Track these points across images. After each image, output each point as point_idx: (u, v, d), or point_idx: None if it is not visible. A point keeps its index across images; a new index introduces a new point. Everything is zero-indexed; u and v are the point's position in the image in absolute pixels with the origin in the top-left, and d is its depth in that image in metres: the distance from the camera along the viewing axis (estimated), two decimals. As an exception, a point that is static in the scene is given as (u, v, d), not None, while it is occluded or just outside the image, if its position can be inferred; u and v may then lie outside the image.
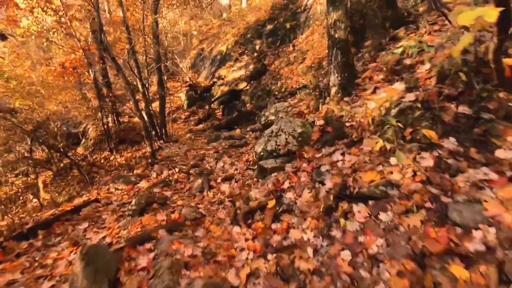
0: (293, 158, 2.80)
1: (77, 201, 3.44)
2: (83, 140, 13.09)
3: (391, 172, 2.04)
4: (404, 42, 3.51)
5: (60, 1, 9.24)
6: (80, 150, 12.30)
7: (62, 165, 10.80)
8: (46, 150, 10.71)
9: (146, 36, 9.73)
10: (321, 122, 2.98)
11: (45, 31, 9.28)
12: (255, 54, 11.77)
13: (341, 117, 2.87)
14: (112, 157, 10.24)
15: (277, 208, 2.24)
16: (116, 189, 3.51)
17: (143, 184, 3.56)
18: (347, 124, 2.77)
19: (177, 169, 3.82)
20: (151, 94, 15.44)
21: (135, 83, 9.40)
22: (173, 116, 13.19)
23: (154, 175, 3.79)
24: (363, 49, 4.61)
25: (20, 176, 11.56)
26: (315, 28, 9.59)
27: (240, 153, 4.16)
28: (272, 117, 4.48)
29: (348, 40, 3.39)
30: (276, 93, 8.54)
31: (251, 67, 11.72)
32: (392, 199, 1.88)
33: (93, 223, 2.80)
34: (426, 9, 4.56)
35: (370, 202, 1.94)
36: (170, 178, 3.66)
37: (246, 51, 12.67)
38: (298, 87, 7.74)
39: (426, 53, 3.06)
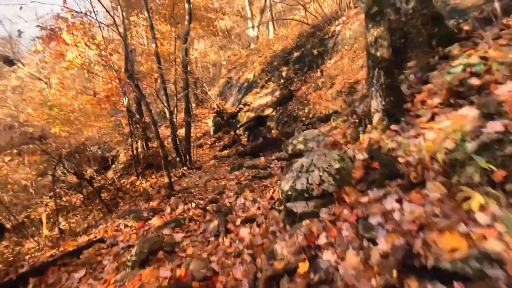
0: (330, 202, 2.19)
1: (83, 239, 3.09)
2: (114, 164, 13.38)
3: (484, 237, 1.37)
4: (462, 59, 2.89)
5: (102, 37, 9.92)
6: (110, 174, 12.52)
7: (91, 189, 10.97)
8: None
9: (177, 67, 10.03)
10: (364, 155, 2.38)
11: (87, 63, 9.93)
12: (282, 81, 11.55)
13: (391, 151, 2.25)
14: (138, 182, 10.18)
15: (312, 276, 1.62)
16: (126, 225, 3.12)
17: (155, 221, 3.13)
18: (400, 159, 2.14)
19: (193, 204, 3.35)
20: (180, 121, 15.79)
21: (165, 110, 9.50)
22: (199, 141, 13.14)
23: (169, 210, 3.36)
24: (406, 70, 4.02)
25: (53, 199, 11.92)
26: (344, 53, 9.18)
27: (263, 187, 3.62)
28: (301, 146, 3.93)
29: (392, 60, 2.86)
30: (303, 119, 8.03)
31: (277, 93, 11.47)
32: (495, 283, 1.20)
33: (91, 271, 2.37)
34: (479, 25, 3.93)
35: (457, 285, 1.27)
36: (185, 214, 3.19)
37: (273, 78, 12.54)
38: (327, 113, 7.18)
39: (498, 71, 2.41)
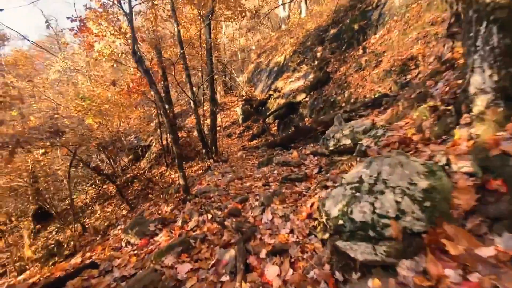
0: (417, 249, 1.28)
1: (76, 260, 2.57)
2: (147, 153, 13.42)
3: None
4: None
5: (127, 25, 9.53)
6: (143, 163, 12.55)
7: (124, 178, 11.05)
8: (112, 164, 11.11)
9: (202, 52, 9.34)
10: (473, 167, 1.39)
11: (115, 54, 9.69)
12: (316, 62, 10.27)
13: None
14: (167, 173, 9.94)
15: None
16: (128, 242, 2.54)
17: (162, 237, 2.49)
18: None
19: (209, 216, 2.64)
20: (209, 110, 15.36)
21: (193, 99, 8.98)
22: (228, 131, 12.54)
23: (180, 222, 2.69)
24: None
25: (93, 186, 12.36)
26: (392, 25, 7.63)
27: (297, 195, 2.77)
28: (347, 141, 2.96)
29: None
30: (343, 104, 6.86)
31: (310, 76, 10.26)
32: None
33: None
34: None
35: None
36: (198, 231, 2.49)
37: (306, 60, 11.27)
38: (374, 96, 5.95)
39: None
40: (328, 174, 3.00)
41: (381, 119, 3.01)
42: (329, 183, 2.54)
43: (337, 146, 3.07)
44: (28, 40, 4.61)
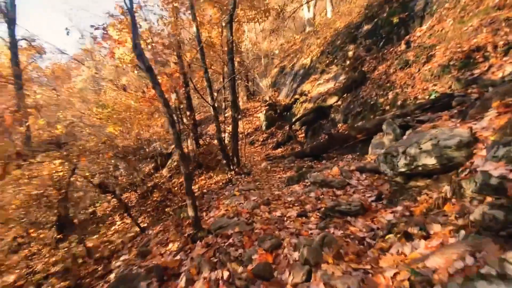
0: None
1: None
2: (169, 162, 12.98)
3: None
4: None
5: (149, 31, 9.19)
6: (165, 171, 12.11)
7: (145, 187, 10.65)
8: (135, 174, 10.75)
9: (224, 55, 8.71)
10: None
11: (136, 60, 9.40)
12: (348, 62, 9.20)
13: None
14: (186, 184, 9.35)
15: None
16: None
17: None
18: None
19: (226, 274, 1.78)
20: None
21: (215, 105, 8.34)
22: (251, 138, 11.75)
23: (183, 281, 1.85)
24: None
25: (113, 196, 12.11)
26: (443, 14, 6.42)
27: (357, 242, 1.83)
28: (430, 161, 1.97)
29: None
30: (387, 108, 5.75)
31: (342, 77, 9.19)
32: None
33: None
34: None
35: None
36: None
37: (336, 60, 10.22)
38: (430, 97, 4.81)
39: None
40: (398, 207, 2.03)
41: (482, 127, 1.99)
42: (414, 230, 1.58)
43: (412, 166, 2.09)
44: (65, 53, 4.18)
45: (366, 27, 9.52)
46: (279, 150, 9.33)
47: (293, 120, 9.39)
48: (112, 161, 10.57)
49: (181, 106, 10.87)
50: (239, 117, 6.27)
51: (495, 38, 4.67)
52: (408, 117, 4.01)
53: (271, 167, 6.44)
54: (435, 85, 5.04)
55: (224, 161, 6.23)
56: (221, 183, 6.55)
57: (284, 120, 11.43)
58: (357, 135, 5.26)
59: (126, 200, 11.22)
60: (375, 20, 9.21)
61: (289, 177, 4.37)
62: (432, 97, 4.81)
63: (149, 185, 10.65)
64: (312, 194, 3.11)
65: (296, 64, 13.98)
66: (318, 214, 2.50)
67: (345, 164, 4.70)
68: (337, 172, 3.54)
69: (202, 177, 8.93)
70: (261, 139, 11.03)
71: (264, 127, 11.66)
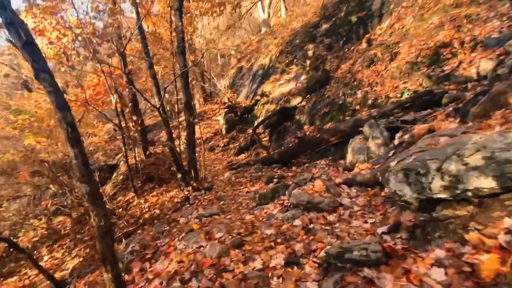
0: None
1: None
2: (114, 175, 11.11)
3: None
4: None
5: (77, 18, 7.53)
6: (109, 187, 10.27)
7: (82, 210, 8.81)
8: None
9: (174, 49, 7.55)
10: None
11: (62, 55, 7.61)
12: (308, 62, 8.84)
13: None
14: (135, 201, 7.89)
15: None
16: None
17: None
18: None
19: None
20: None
21: (175, 108, 7.05)
22: (210, 144, 10.70)
23: None
24: None
25: (44, 220, 9.90)
26: (402, 13, 6.36)
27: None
28: (485, 184, 1.33)
29: None
30: (357, 107, 5.36)
31: (303, 78, 8.80)
32: None
33: None
34: None
35: None
36: None
37: (295, 60, 9.83)
38: (402, 95, 4.49)
39: None
40: (439, 252, 1.36)
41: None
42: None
43: (458, 191, 1.43)
44: None
45: (324, 26, 9.32)
46: (243, 156, 8.51)
47: (256, 123, 8.67)
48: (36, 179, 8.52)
49: (126, 110, 9.32)
50: (196, 121, 5.27)
51: (459, 34, 4.57)
52: (391, 118, 3.54)
53: (235, 178, 5.57)
54: (405, 82, 4.77)
55: (179, 175, 5.15)
56: (176, 201, 5.44)
57: (246, 123, 10.66)
58: (330, 138, 4.72)
59: (59, 227, 9.19)
60: (333, 19, 9.04)
61: (260, 194, 3.56)
62: (405, 95, 4.50)
63: (87, 205, 8.84)
64: (297, 222, 2.34)
65: (254, 64, 13.37)
66: (315, 260, 1.72)
67: (321, 172, 4.09)
68: (321, 188, 2.84)
69: (154, 193, 7.61)
70: (222, 145, 10.08)
71: (224, 131, 10.73)
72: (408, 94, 4.45)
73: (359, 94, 5.46)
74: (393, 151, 2.78)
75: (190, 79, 14.68)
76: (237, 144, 9.41)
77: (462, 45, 4.40)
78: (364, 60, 6.23)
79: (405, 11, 6.29)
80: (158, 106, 4.54)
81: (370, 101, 5.09)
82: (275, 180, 4.50)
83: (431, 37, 5.03)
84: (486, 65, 3.63)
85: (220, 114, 12.38)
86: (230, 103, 11.02)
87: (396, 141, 2.88)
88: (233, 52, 22.33)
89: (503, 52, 3.60)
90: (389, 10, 6.88)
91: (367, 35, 7.05)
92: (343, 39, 8.01)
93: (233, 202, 3.97)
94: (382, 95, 4.94)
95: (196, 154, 5.74)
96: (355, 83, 5.88)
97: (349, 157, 3.79)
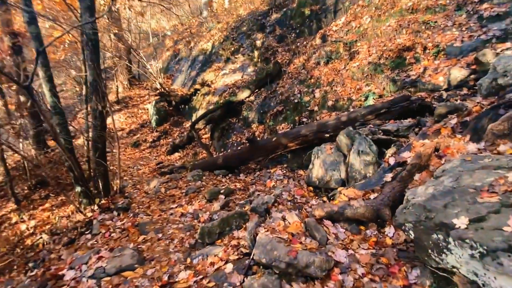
0: None
1: None
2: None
3: None
4: None
5: None
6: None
7: None
8: None
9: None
10: None
11: None
12: (256, 52, 7.92)
13: None
14: (14, 218, 5.56)
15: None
16: None
17: None
18: None
19: None
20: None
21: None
22: (134, 138, 8.74)
23: None
24: None
25: None
26: (358, 11, 6.02)
27: None
28: None
29: None
30: (315, 108, 4.68)
31: (250, 69, 7.85)
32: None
33: None
34: None
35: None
36: None
37: (242, 49, 8.78)
38: (369, 99, 3.98)
39: None
40: None
41: None
42: None
43: None
44: None
45: (275, 16, 8.51)
46: (177, 155, 7.05)
47: (195, 117, 7.31)
48: None
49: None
50: (108, 110, 3.66)
51: (420, 40, 4.32)
52: (370, 126, 2.87)
53: (166, 189, 4.22)
54: (368, 85, 4.30)
55: (78, 189, 3.49)
56: (75, 222, 3.74)
57: (182, 115, 9.10)
58: (288, 144, 3.88)
59: None
60: (284, 9, 8.32)
61: (203, 229, 2.40)
62: (370, 99, 4.01)
63: None
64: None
65: (194, 49, 11.70)
66: None
67: (280, 187, 3.20)
68: (299, 227, 1.91)
69: (45, 206, 5.49)
70: (151, 140, 8.30)
71: (154, 123, 8.91)
72: (373, 99, 3.96)
73: (318, 93, 4.81)
74: (390, 175, 2.04)
75: (112, 56, 11.92)
76: (170, 140, 7.83)
77: (424, 51, 4.15)
78: (320, 56, 5.65)
79: (361, 10, 5.96)
80: (25, 82, 2.80)
81: (330, 102, 4.47)
82: (221, 196, 3.41)
83: (391, 39, 4.71)
84: (457, 74, 3.33)
85: (149, 102, 10.35)
86: (162, 90, 9.20)
87: (390, 160, 2.17)
88: (168, 33, 19.73)
89: (472, 62, 3.38)
90: (345, 7, 6.50)
91: (321, 30, 6.54)
92: (295, 32, 7.36)
93: (160, 235, 2.70)
94: (344, 97, 4.38)
95: (107, 157, 4.11)
96: (312, 80, 5.22)
97: (316, 171, 3.00)
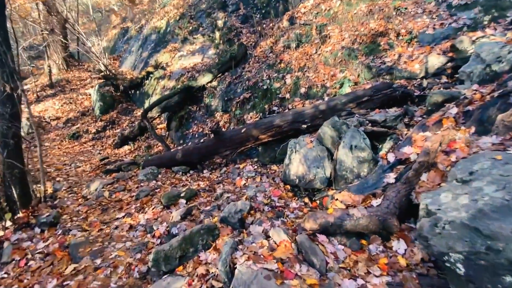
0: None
1: None
2: None
3: None
4: None
5: None
6: None
7: None
8: None
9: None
10: None
11: None
12: (218, 33, 7.13)
13: None
14: None
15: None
16: None
17: None
18: None
19: None
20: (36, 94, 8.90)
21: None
22: (73, 128, 7.37)
23: None
24: None
25: None
26: (326, -7, 5.68)
27: None
28: None
29: None
30: (287, 96, 4.25)
31: (211, 52, 7.07)
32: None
33: None
34: None
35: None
36: None
37: (202, 28, 7.87)
38: (345, 86, 3.67)
39: None
40: None
41: None
42: None
43: None
44: None
45: (237, -6, 7.76)
46: (127, 148, 6.07)
47: (148, 103, 6.34)
48: None
49: None
50: (21, 91, 2.69)
51: (392, 25, 4.14)
52: (356, 116, 2.52)
53: (111, 192, 3.42)
54: (341, 71, 4.00)
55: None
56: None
57: (132, 102, 7.94)
58: (260, 136, 3.39)
59: None
60: (248, -13, 7.62)
61: (157, 253, 1.79)
62: (346, 86, 3.71)
63: None
64: None
65: (145, 27, 10.29)
66: None
67: (253, 186, 2.73)
68: (288, 249, 1.46)
69: None
70: (94, 130, 7.05)
71: (98, 111, 7.60)
72: (349, 86, 3.67)
73: (289, 79, 4.37)
74: (393, 175, 1.69)
75: (41, 29, 9.81)
76: (118, 130, 6.73)
77: (397, 37, 3.97)
78: (289, 39, 5.20)
79: (330, -7, 5.62)
80: None
81: (303, 89, 4.08)
82: (182, 201, 2.80)
83: (363, 24, 4.46)
84: (435, 61, 3.18)
85: (92, 86, 8.82)
86: (108, 72, 7.85)
87: (389, 157, 1.82)
88: (115, 8, 17.31)
89: (448, 49, 3.26)
90: (313, -11, 6.10)
91: (289, 12, 6.07)
92: (261, 12, 6.77)
93: (99, 261, 2.01)
94: (318, 84, 4.02)
95: (24, 154, 3.14)
96: (281, 65, 4.76)
97: (296, 168, 2.58)
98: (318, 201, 2.28)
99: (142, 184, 3.65)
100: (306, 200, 2.39)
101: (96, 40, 9.58)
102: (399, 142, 1.94)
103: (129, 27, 12.32)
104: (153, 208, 2.82)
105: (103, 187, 3.61)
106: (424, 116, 2.17)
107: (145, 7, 12.90)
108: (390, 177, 1.68)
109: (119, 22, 14.32)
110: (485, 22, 3.43)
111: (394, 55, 3.75)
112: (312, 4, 5.73)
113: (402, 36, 3.93)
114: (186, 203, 2.75)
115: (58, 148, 6.56)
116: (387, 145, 1.99)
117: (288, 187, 2.72)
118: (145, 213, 2.80)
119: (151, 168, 3.92)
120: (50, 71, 9.75)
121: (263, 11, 6.76)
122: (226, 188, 3.08)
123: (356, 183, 1.89)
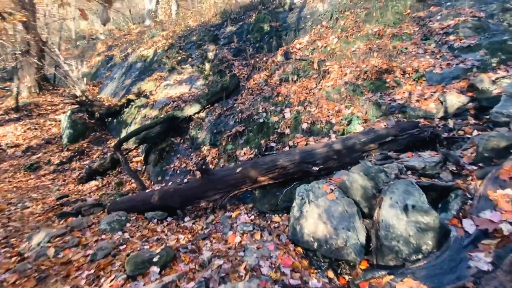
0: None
1: None
2: None
3: None
4: None
5: None
6: None
7: None
8: None
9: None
10: None
11: None
12: (208, 65, 6.83)
13: None
14: None
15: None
16: None
17: None
18: None
19: None
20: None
21: None
22: (34, 157, 6.33)
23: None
24: None
25: None
26: (323, 31, 5.65)
27: None
28: None
29: None
30: (287, 131, 3.76)
31: (199, 82, 6.67)
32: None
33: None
34: None
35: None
36: None
37: (191, 59, 7.57)
38: (354, 124, 3.25)
39: None
40: None
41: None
42: None
43: None
44: None
45: (230, 29, 7.71)
46: (93, 184, 5.13)
47: (126, 133, 5.61)
48: None
49: None
50: None
51: (395, 63, 3.97)
52: (393, 160, 2.01)
53: (58, 249, 2.54)
54: (347, 107, 3.64)
55: None
56: None
57: (108, 131, 7.13)
58: (259, 178, 2.78)
59: None
60: (241, 23, 7.62)
61: None
62: (355, 123, 3.30)
63: None
64: None
65: (131, 55, 9.92)
66: None
67: (252, 250, 2.04)
68: None
69: None
70: (57, 161, 6.06)
71: (66, 139, 6.67)
72: (359, 123, 3.26)
73: (288, 113, 3.93)
74: (485, 257, 1.11)
75: (14, 49, 9.08)
76: (87, 163, 5.80)
77: (404, 75, 3.76)
78: (285, 73, 4.91)
79: (325, 31, 5.59)
80: None
81: (305, 125, 3.62)
82: (154, 269, 2.01)
83: (363, 61, 4.28)
84: (455, 100, 2.88)
85: (64, 112, 7.95)
86: (84, 98, 7.11)
87: (465, 224, 1.27)
88: (102, 37, 17.14)
89: (465, 88, 3.00)
90: (307, 27, 6.11)
91: (283, 47, 5.94)
92: (254, 47, 6.62)
93: None
94: (322, 119, 3.59)
95: None
96: (279, 98, 4.36)
97: (314, 226, 1.95)
98: (347, 278, 1.62)
99: (103, 236, 2.80)
100: (331, 274, 1.72)
101: (74, 63, 8.96)
102: (469, 201, 1.42)
103: (114, 55, 11.93)
104: (111, 280, 2.00)
105: (49, 241, 2.71)
106: (480, 164, 1.70)
107: (133, 37, 12.75)
108: (481, 260, 1.11)
109: (105, 50, 13.96)
110: (494, 64, 3.28)
111: (404, 92, 3.47)
112: (307, 41, 5.64)
113: (409, 74, 3.72)
114: (159, 274, 1.96)
115: (9, 181, 5.47)
116: (454, 205, 1.46)
117: (300, 249, 2.05)
118: (101, 284, 1.97)
119: (118, 214, 3.10)
120: (17, 94, 8.82)
121: (257, 45, 6.63)
122: (215, 248, 2.33)
123: (422, 264, 1.29)
